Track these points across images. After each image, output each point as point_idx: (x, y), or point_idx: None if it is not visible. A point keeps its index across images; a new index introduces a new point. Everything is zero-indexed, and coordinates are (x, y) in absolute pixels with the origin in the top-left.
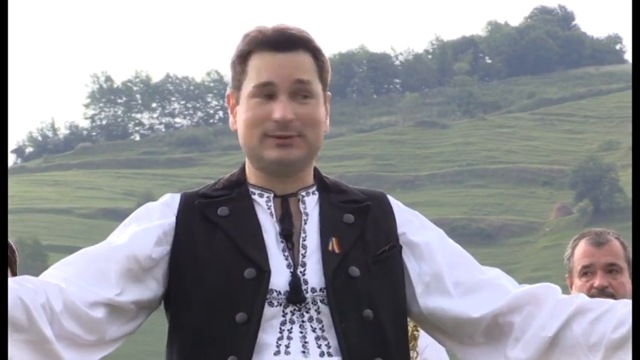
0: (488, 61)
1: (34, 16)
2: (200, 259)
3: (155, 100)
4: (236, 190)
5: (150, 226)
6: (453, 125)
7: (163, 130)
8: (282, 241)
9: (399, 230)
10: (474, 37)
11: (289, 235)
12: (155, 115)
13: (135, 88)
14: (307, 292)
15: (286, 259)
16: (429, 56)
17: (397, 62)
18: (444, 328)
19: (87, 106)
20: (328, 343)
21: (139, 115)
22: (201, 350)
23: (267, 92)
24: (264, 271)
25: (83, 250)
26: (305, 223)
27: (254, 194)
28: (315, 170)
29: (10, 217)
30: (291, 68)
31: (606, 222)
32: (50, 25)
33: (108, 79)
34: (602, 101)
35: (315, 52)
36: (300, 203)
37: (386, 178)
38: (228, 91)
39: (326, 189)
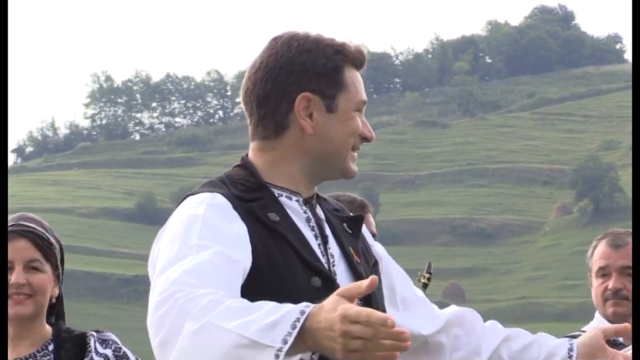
0: (489, 60)
1: (34, 15)
2: (272, 268)
3: (155, 100)
4: (263, 192)
5: (238, 232)
6: (453, 125)
7: (163, 129)
8: (319, 247)
9: (368, 242)
10: (474, 37)
11: (326, 241)
12: (155, 115)
13: (135, 88)
14: None
15: (324, 264)
16: (429, 56)
17: (397, 62)
18: None
19: (87, 105)
20: None
21: (139, 115)
22: None
23: (360, 108)
24: (330, 280)
25: (202, 261)
26: (325, 229)
27: (281, 196)
28: None
29: (10, 216)
30: None
31: (606, 222)
32: (50, 24)
33: (108, 78)
34: (602, 101)
35: None
36: (316, 208)
37: (386, 178)
38: (306, 93)
39: (317, 197)
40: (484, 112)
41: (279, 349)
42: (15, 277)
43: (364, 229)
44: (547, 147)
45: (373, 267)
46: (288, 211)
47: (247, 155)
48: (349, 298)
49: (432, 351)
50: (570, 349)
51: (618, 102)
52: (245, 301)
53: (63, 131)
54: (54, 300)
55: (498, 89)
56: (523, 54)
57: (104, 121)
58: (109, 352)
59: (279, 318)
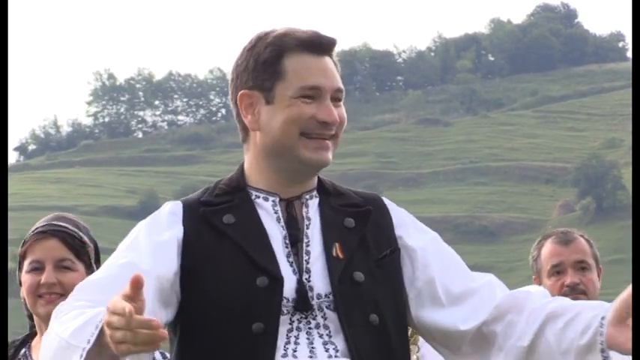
0: (491, 58)
1: (36, 13)
2: (212, 270)
3: (158, 98)
4: (237, 195)
5: (165, 239)
6: (456, 123)
7: (166, 127)
8: (287, 247)
9: (397, 233)
10: (477, 35)
11: (295, 240)
12: (158, 113)
13: (138, 86)
14: (313, 299)
15: (291, 266)
16: (432, 54)
17: (400, 60)
18: (433, 336)
19: (90, 103)
20: (336, 347)
21: (141, 113)
22: None
23: (310, 94)
24: (277, 279)
25: (105, 274)
26: (307, 228)
27: (258, 198)
28: None
29: (13, 214)
30: (332, 76)
31: (609, 219)
32: (53, 22)
33: (111, 76)
34: (604, 99)
35: (333, 56)
36: (304, 207)
37: (388, 176)
38: (244, 90)
39: (326, 192)
40: (487, 110)
41: (83, 349)
42: (45, 276)
43: (402, 219)
44: (550, 145)
45: (378, 260)
46: (260, 212)
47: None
48: (130, 297)
49: (490, 341)
50: (603, 318)
51: (621, 100)
52: (94, 309)
53: (65, 129)
54: None
55: (501, 87)
56: (526, 52)
57: (107, 119)
58: None
59: (88, 320)
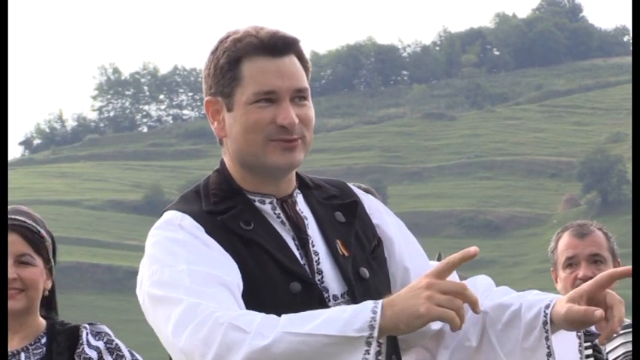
0: (496, 52)
1: (41, 7)
2: (250, 278)
3: (163, 92)
4: (238, 199)
5: (217, 251)
6: (461, 117)
7: (171, 121)
8: (298, 249)
9: (374, 221)
10: (482, 29)
11: (304, 242)
12: (163, 107)
13: (142, 80)
14: (330, 301)
15: (304, 268)
16: (437, 48)
17: (405, 54)
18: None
19: (95, 97)
20: None
21: (146, 107)
22: None
23: (267, 98)
24: (310, 284)
25: (204, 287)
26: (307, 227)
27: (254, 201)
28: None
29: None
30: (291, 76)
31: (614, 214)
32: (58, 16)
33: (116, 70)
34: (609, 93)
35: (301, 54)
36: (297, 205)
37: (393, 170)
38: (208, 97)
39: (306, 186)
40: (492, 104)
41: (370, 336)
42: (8, 272)
43: (374, 206)
44: (555, 139)
45: (371, 253)
46: (265, 216)
47: (224, 159)
48: (437, 275)
49: (438, 339)
50: (545, 323)
51: (626, 94)
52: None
53: (70, 123)
54: (46, 293)
55: (506, 81)
56: (531, 46)
57: (112, 114)
58: (100, 344)
59: (354, 311)
